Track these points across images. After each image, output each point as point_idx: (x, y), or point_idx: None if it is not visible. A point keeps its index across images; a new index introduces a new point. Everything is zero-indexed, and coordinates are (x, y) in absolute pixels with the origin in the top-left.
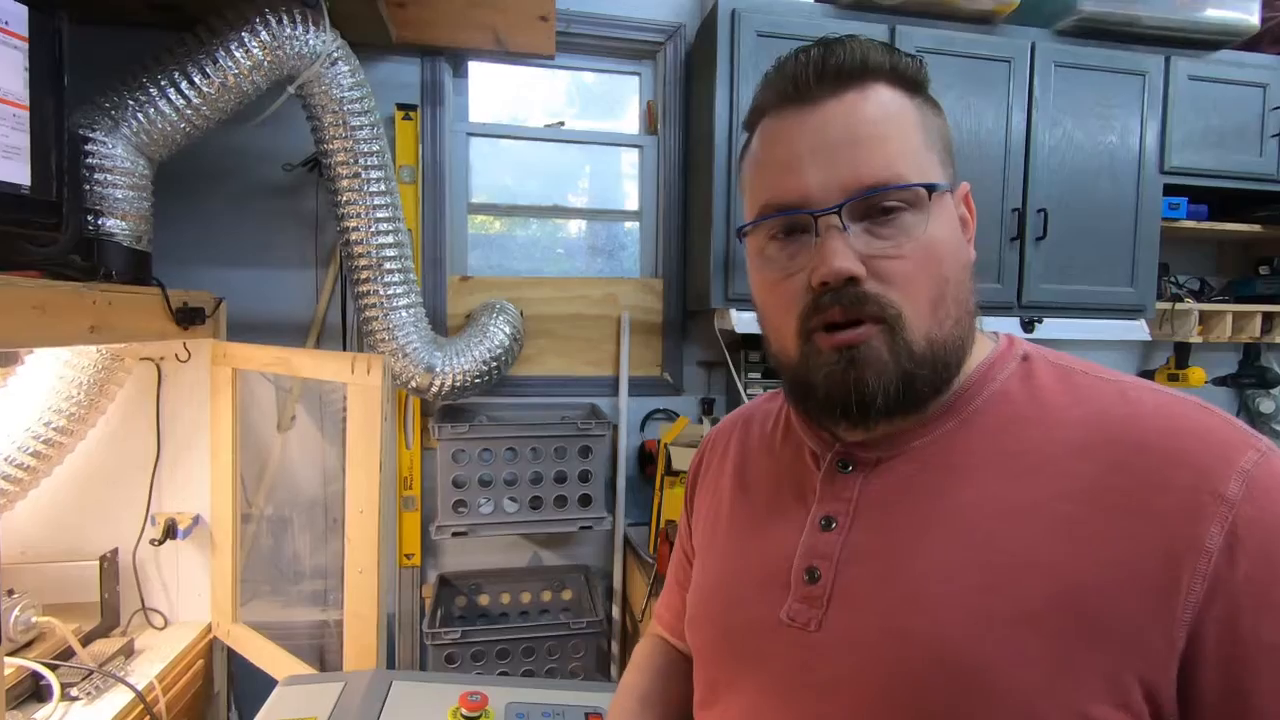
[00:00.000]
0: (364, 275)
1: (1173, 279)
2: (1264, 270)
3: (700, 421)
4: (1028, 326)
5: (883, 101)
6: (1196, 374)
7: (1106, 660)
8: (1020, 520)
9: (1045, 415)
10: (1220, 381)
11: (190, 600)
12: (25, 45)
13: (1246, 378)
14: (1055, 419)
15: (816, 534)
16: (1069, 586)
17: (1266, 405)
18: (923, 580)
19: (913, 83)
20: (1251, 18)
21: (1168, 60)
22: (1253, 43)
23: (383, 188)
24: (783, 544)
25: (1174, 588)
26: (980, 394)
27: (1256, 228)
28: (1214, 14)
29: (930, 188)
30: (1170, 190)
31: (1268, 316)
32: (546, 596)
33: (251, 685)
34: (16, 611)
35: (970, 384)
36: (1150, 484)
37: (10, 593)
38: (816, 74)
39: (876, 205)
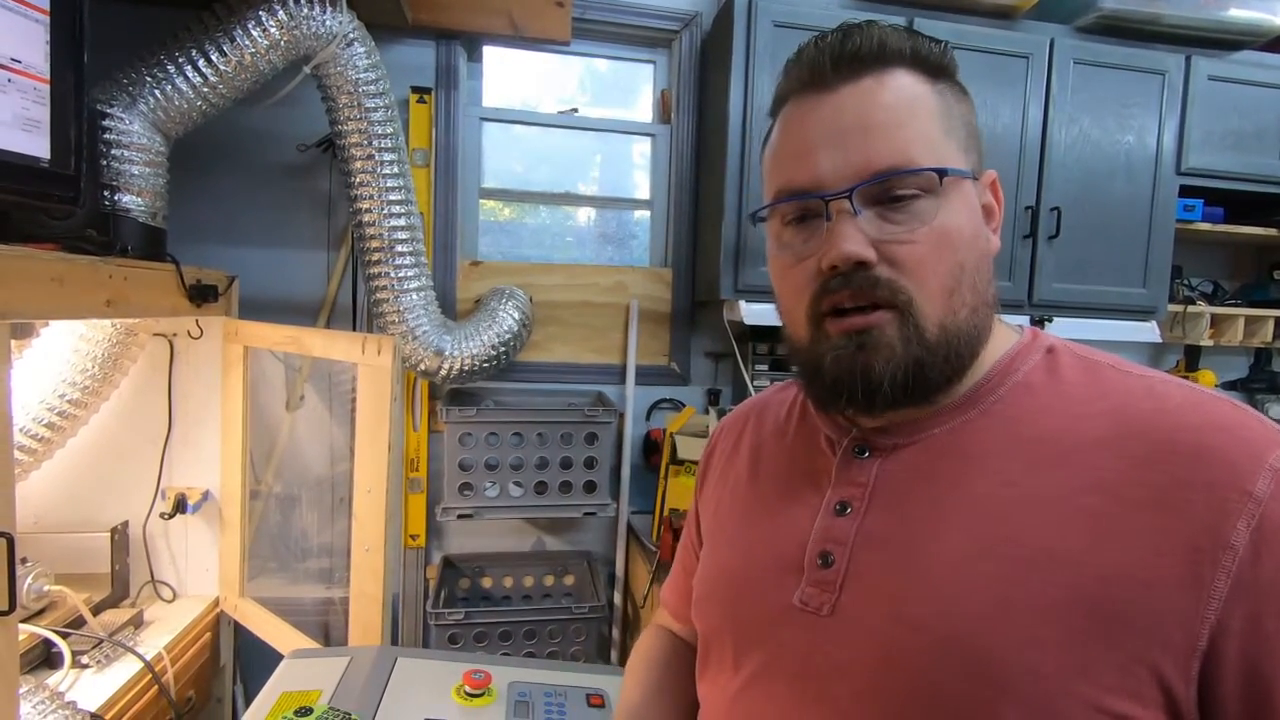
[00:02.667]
0: (375, 257)
1: (1185, 281)
2: (1278, 274)
3: (706, 412)
4: (1037, 325)
5: (900, 87)
6: (1206, 377)
7: (1124, 655)
8: (1041, 511)
9: (1069, 407)
10: (1230, 386)
11: (198, 574)
12: (47, 19)
13: (1257, 382)
14: (1079, 411)
15: (831, 518)
16: (1089, 580)
17: (1277, 410)
18: (938, 567)
19: (935, 68)
20: (1275, 18)
21: (1188, 60)
22: (1275, 44)
23: (396, 170)
24: (796, 528)
25: (1198, 584)
26: (1003, 385)
27: (1272, 231)
28: (1237, 14)
29: (942, 172)
30: (1186, 191)
31: None
32: (549, 581)
33: (257, 659)
34: (30, 579)
35: (992, 375)
36: (1177, 479)
37: (24, 561)
38: (833, 60)
39: (889, 190)
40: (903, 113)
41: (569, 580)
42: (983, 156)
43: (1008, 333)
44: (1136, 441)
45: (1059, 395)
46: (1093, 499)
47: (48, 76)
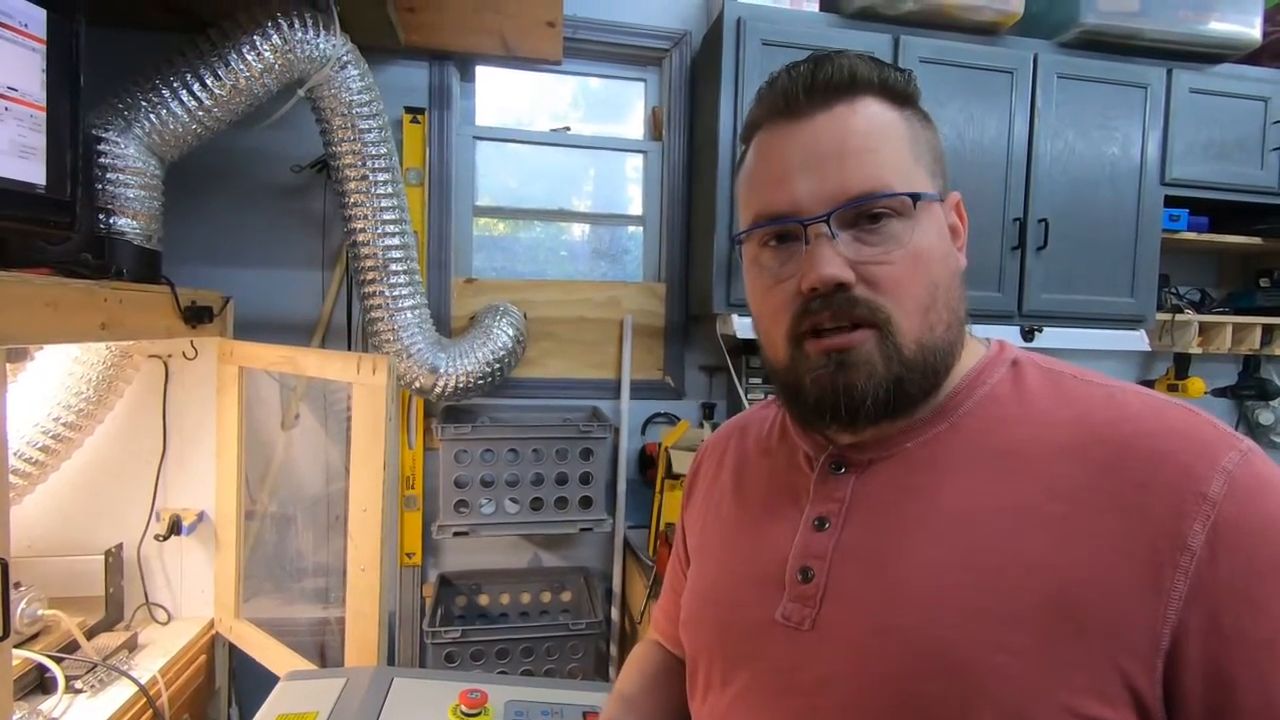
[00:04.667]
0: (370, 276)
1: (1173, 290)
2: (1264, 282)
3: (701, 426)
4: (1028, 335)
5: (870, 114)
6: (1196, 385)
7: (1091, 657)
8: (1008, 519)
9: (1033, 417)
10: (1220, 393)
11: (193, 596)
12: (43, 48)
13: (1246, 389)
14: (1043, 421)
15: (810, 534)
16: (1056, 585)
17: (1266, 417)
18: (912, 578)
19: (901, 96)
20: (1253, 31)
21: (1169, 73)
22: (1254, 56)
23: (390, 190)
24: (777, 545)
25: (1158, 586)
26: (970, 397)
27: (1257, 240)
28: (1216, 27)
29: (915, 196)
30: (1171, 202)
31: (1268, 328)
32: (546, 597)
33: (253, 681)
34: (23, 604)
35: (961, 388)
36: (1135, 484)
37: (17, 585)
38: (806, 89)
39: (864, 214)
40: (874, 139)
41: (566, 596)
42: (947, 179)
43: (976, 346)
44: (1098, 449)
45: (1024, 406)
46: (1057, 506)
47: (44, 104)
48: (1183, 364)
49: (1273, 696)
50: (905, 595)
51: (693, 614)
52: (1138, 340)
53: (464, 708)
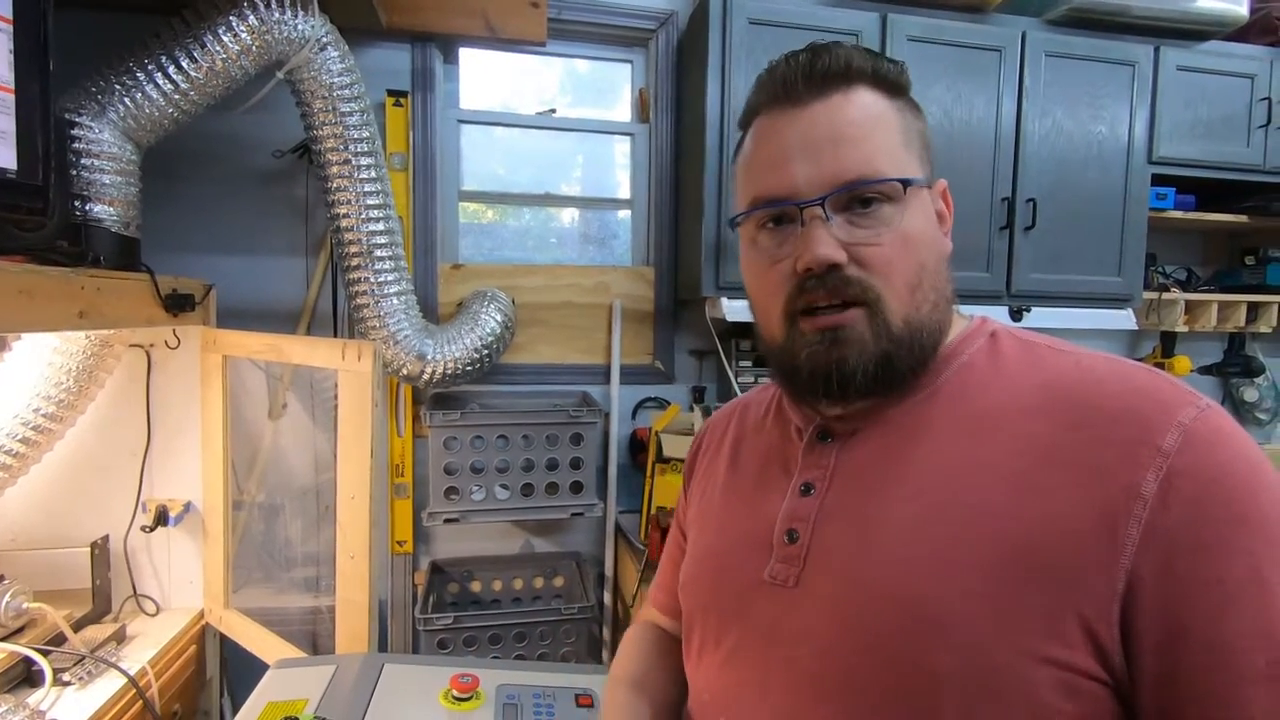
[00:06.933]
0: (355, 262)
1: (1160, 269)
2: (1250, 260)
3: (691, 409)
4: (1016, 315)
5: (864, 103)
6: (1182, 363)
7: (1050, 602)
8: (976, 476)
9: (1006, 383)
10: (1205, 370)
11: (182, 587)
12: (10, 28)
13: (1231, 366)
14: (1015, 386)
15: (797, 499)
16: (1019, 536)
17: (1250, 394)
18: (886, 535)
19: (894, 86)
20: (1240, 8)
21: (1157, 50)
22: (1241, 33)
23: (373, 175)
24: (768, 512)
25: (1114, 533)
26: (949, 366)
27: (1243, 218)
28: (1203, 4)
29: (906, 182)
30: (1158, 180)
31: (1253, 306)
32: (538, 583)
33: (244, 670)
34: (8, 597)
35: (941, 359)
36: (1096, 439)
37: (1, 579)
38: (805, 77)
39: (857, 198)
40: (868, 127)
41: (558, 582)
42: (934, 167)
43: (960, 322)
44: (1064, 409)
45: (998, 373)
46: (1023, 461)
47: (12, 86)
48: (1169, 342)
49: (1221, 631)
50: (879, 551)
51: (691, 577)
52: (1125, 319)
53: (455, 692)
